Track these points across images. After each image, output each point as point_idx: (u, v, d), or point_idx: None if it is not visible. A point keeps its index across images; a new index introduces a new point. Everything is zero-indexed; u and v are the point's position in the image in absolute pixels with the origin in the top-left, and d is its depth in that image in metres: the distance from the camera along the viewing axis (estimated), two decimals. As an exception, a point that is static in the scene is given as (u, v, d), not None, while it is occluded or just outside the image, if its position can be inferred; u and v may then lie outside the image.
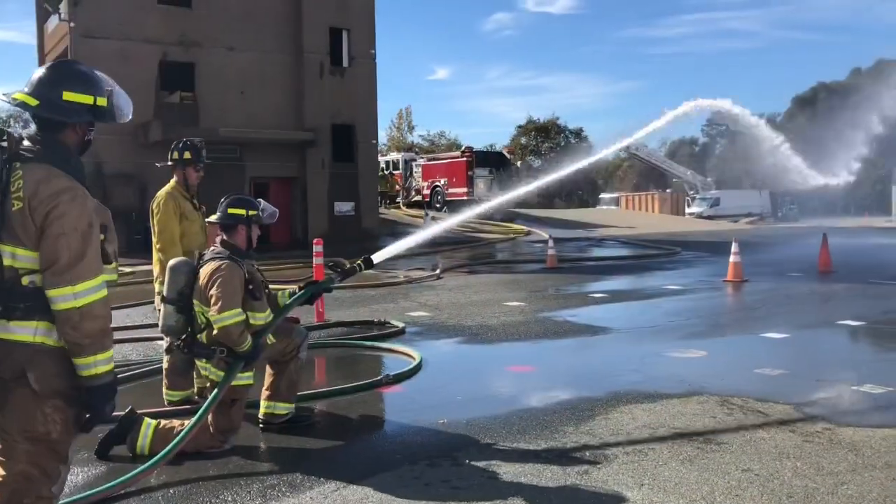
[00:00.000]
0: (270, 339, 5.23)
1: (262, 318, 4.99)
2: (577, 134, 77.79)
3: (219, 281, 4.76)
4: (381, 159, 38.04)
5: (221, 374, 4.89)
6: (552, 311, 11.25)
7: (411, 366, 7.34)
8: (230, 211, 5.05)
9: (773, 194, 59.26)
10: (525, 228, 30.64)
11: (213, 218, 5.15)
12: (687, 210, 53.85)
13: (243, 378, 4.98)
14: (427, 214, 29.46)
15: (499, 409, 5.96)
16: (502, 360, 8.25)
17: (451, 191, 33.64)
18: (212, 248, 5.13)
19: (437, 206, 33.81)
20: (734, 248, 14.63)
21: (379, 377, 6.83)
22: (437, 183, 34.29)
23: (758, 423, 5.50)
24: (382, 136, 70.79)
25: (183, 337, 5.09)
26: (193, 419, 4.64)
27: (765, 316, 10.94)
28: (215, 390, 4.80)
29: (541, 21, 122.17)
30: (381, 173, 34.81)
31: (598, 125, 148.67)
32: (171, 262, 5.22)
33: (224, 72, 25.57)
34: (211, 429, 4.91)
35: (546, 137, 75.40)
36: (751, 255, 18.06)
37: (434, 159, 37.13)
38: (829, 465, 4.62)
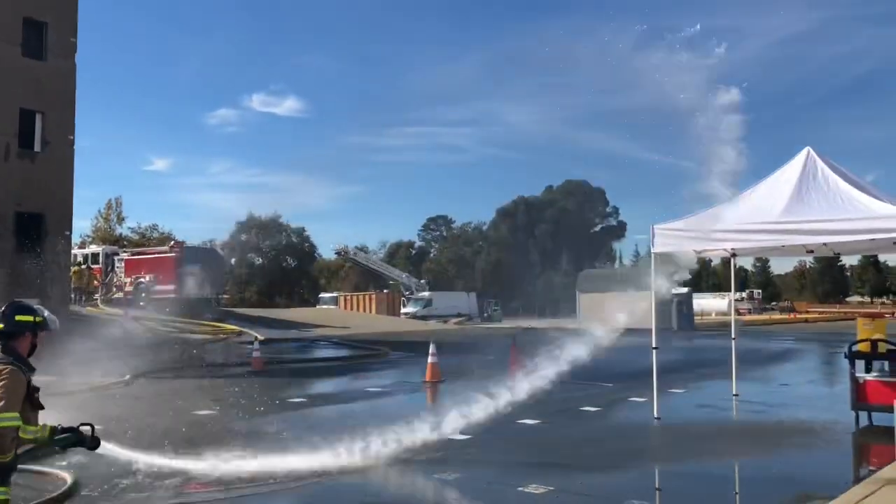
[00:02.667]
0: None
1: (32, 430, 4.63)
2: (300, 233, 78.38)
3: (2, 383, 4.47)
4: (79, 252, 34.89)
5: None
6: (243, 422, 10.67)
7: (62, 490, 6.45)
8: (18, 318, 4.79)
9: (479, 296, 63.79)
10: (237, 328, 29.52)
11: None
12: (402, 310, 55.81)
13: None
14: (127, 312, 27.31)
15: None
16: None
17: (157, 288, 31.59)
18: None
19: (141, 304, 31.51)
20: (432, 349, 15.18)
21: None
22: (142, 279, 32.06)
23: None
24: (87, 227, 65.57)
25: None
26: None
27: (454, 416, 11.24)
28: None
29: (266, 121, 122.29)
30: (77, 267, 31.84)
31: (322, 226, 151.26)
32: None
33: None
34: None
35: (267, 235, 74.89)
36: (453, 354, 18.88)
37: (139, 254, 34.82)
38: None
